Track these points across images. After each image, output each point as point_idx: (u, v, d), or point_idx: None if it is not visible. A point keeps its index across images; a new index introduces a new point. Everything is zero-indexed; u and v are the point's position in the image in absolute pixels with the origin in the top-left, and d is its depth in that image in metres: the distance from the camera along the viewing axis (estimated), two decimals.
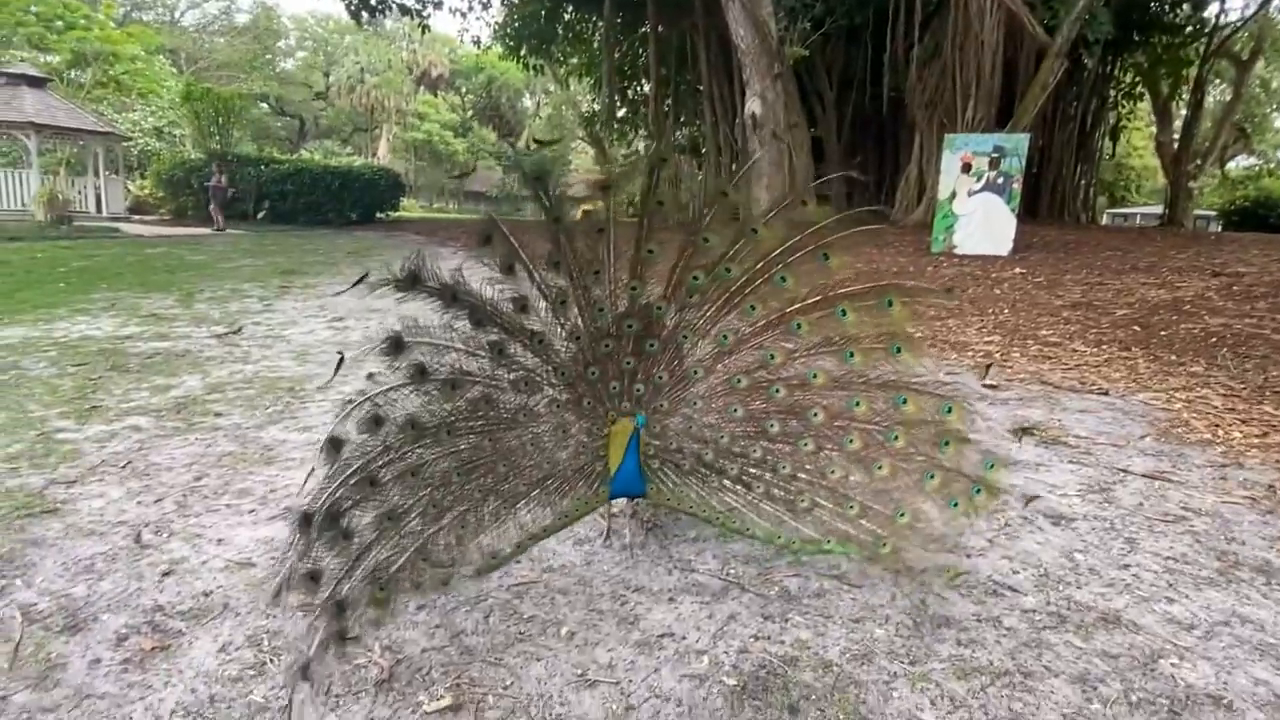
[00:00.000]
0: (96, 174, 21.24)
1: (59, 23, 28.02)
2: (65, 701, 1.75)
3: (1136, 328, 6.31)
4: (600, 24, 22.88)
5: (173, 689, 1.80)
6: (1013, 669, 1.92)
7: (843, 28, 16.36)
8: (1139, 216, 34.57)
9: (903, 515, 2.20)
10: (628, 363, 2.21)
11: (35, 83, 20.22)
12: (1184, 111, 23.11)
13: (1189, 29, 20.39)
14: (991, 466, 2.25)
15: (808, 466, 2.29)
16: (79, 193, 20.90)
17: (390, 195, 24.70)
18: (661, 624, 2.11)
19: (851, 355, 2.24)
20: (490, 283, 2.05)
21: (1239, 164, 36.15)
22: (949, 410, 2.21)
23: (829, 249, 2.21)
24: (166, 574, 2.34)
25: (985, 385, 4.82)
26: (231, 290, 8.90)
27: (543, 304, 2.11)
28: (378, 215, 24.12)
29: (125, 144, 23.85)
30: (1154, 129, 25.89)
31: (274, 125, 45.20)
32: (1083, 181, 22.33)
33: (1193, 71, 21.48)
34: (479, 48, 30.22)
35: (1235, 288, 7.52)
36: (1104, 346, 5.84)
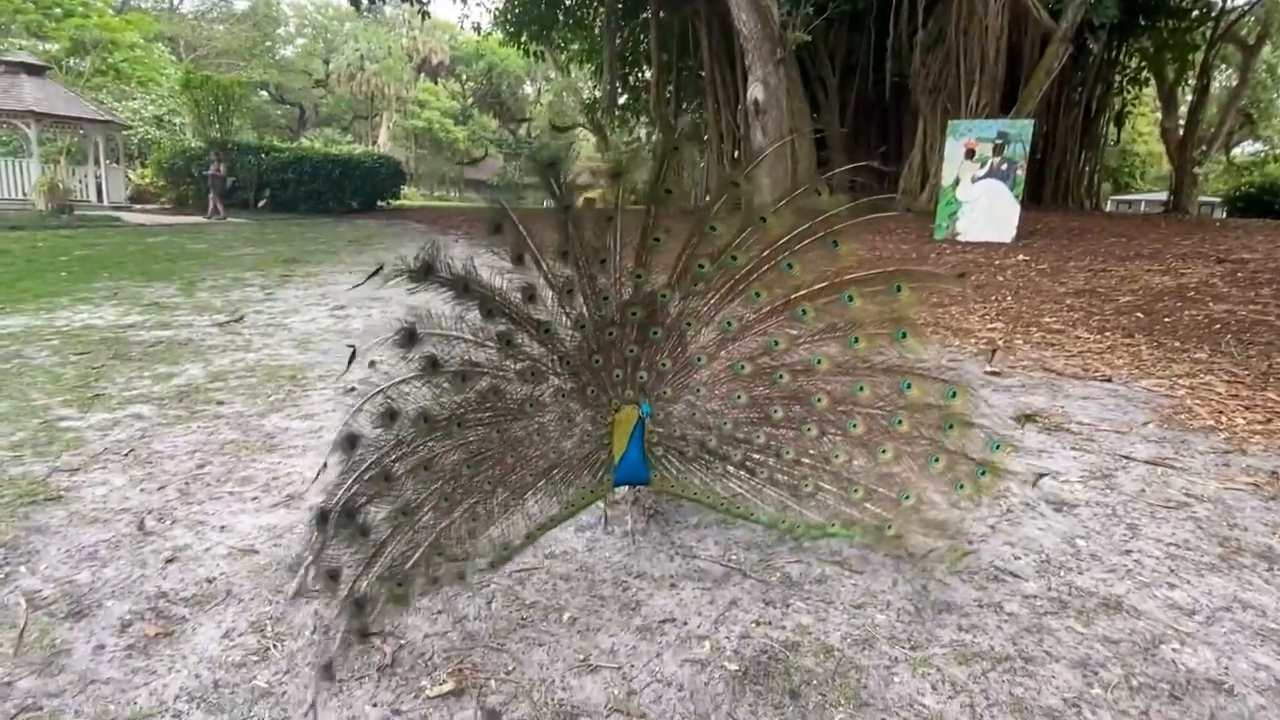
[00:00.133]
0: (97, 163, 21.16)
1: (57, 10, 27.82)
2: (70, 687, 1.76)
3: (1140, 314, 6.28)
4: (601, 9, 22.68)
5: (177, 674, 1.81)
6: (1014, 654, 1.92)
7: (845, 12, 16.21)
8: (1143, 203, 34.42)
9: (908, 498, 2.22)
10: (631, 350, 2.21)
11: (34, 71, 20.11)
12: (1189, 97, 22.97)
13: (1195, 13, 20.16)
14: (997, 448, 2.25)
15: (811, 451, 2.29)
16: (80, 182, 20.83)
17: (391, 183, 24.65)
18: (663, 610, 2.12)
19: (856, 341, 2.24)
20: (499, 273, 2.04)
21: (1244, 150, 35.91)
22: (953, 395, 2.21)
23: (839, 236, 2.20)
24: (170, 561, 2.35)
25: (988, 372, 4.81)
26: (233, 279, 8.90)
27: (549, 293, 2.10)
28: (379, 203, 24.09)
29: (125, 133, 23.75)
30: (1159, 115, 25.71)
31: (274, 113, 44.99)
32: (1087, 168, 22.19)
33: (1199, 56, 21.30)
34: (479, 34, 30.05)
35: (1240, 274, 7.48)
36: (1107, 333, 5.82)
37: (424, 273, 1.87)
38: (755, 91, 13.25)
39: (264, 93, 41.98)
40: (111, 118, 21.86)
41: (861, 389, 2.25)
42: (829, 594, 2.20)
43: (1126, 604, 2.16)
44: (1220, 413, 3.96)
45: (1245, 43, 23.29)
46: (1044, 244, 10.52)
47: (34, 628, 1.98)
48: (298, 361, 4.97)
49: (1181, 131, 22.65)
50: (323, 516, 1.74)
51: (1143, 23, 18.90)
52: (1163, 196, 27.58)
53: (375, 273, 1.90)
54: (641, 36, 23.27)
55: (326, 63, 47.41)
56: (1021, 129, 10.77)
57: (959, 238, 10.86)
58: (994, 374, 4.80)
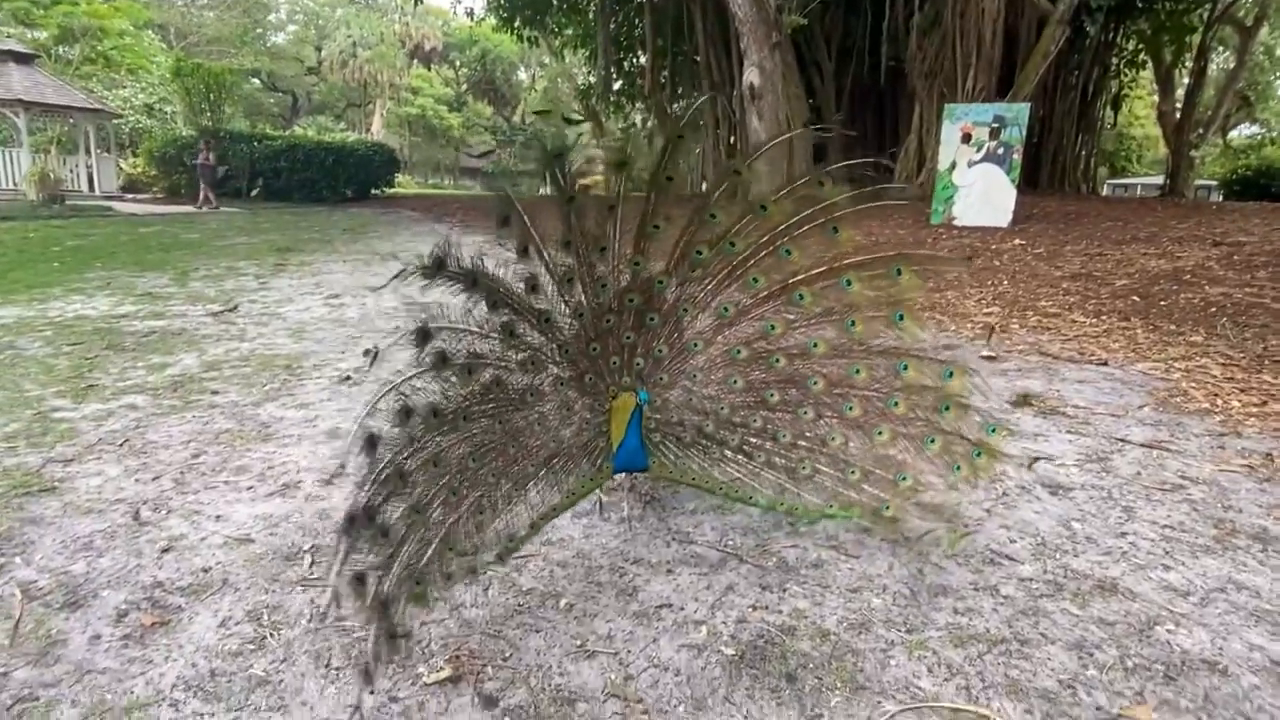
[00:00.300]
0: (88, 152, 20.98)
1: None
2: (66, 677, 1.75)
3: (1136, 298, 6.28)
4: None
5: (173, 663, 1.81)
6: (1009, 636, 1.93)
7: None
8: (1139, 187, 34.34)
9: (905, 479, 2.23)
10: (628, 337, 2.20)
11: (22, 59, 19.89)
12: (1187, 79, 22.83)
13: None
14: (993, 430, 2.25)
15: (808, 434, 2.30)
16: (71, 171, 20.65)
17: (385, 171, 24.48)
18: (660, 595, 2.12)
19: (853, 324, 2.24)
20: (504, 264, 2.03)
21: (1241, 133, 35.82)
22: (950, 375, 2.22)
23: (839, 223, 2.19)
24: (165, 550, 2.34)
25: (984, 356, 4.81)
26: (227, 268, 8.85)
27: (549, 282, 2.09)
28: (373, 191, 23.93)
29: (116, 121, 23.53)
30: (1156, 98, 25.58)
31: (266, 101, 44.60)
32: (1083, 152, 22.09)
33: (1196, 38, 21.16)
34: (472, 20, 29.83)
35: (1236, 257, 7.48)
36: (1103, 317, 5.82)
37: (436, 268, 1.87)
38: (751, 76, 13.15)
39: (256, 80, 41.59)
40: (102, 106, 21.67)
41: (858, 371, 2.25)
42: (825, 578, 2.21)
43: (1122, 586, 2.17)
44: (1215, 395, 3.97)
45: (1243, 24, 23.16)
46: (1040, 228, 10.50)
47: (29, 618, 1.97)
48: (292, 351, 4.95)
49: (1178, 114, 22.55)
50: (351, 521, 1.72)
51: (1140, 4, 18.76)
52: (1159, 180, 27.51)
53: (398, 275, 1.91)
54: (636, 21, 23.05)
55: (318, 49, 46.90)
56: (1018, 113, 10.71)
57: (955, 222, 10.83)
58: (990, 358, 4.80)
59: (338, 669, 1.78)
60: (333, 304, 6.77)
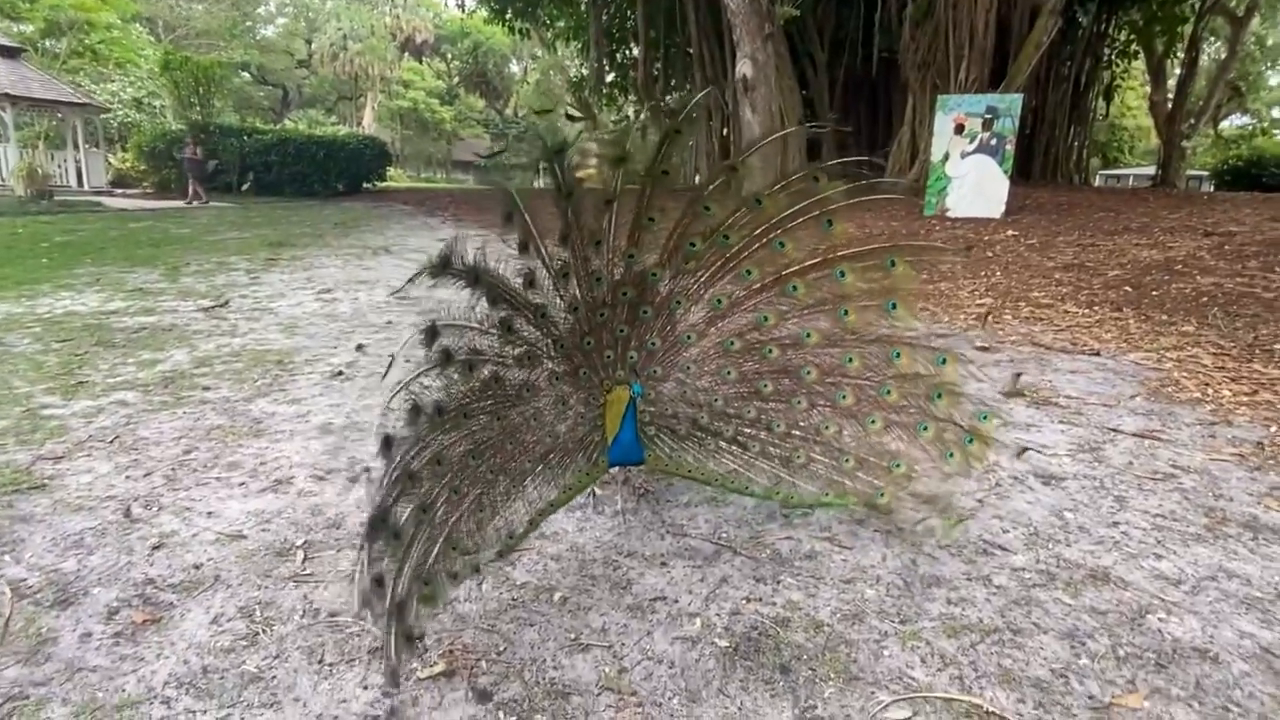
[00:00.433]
0: (76, 147, 20.77)
1: None
2: (57, 675, 1.74)
3: (1128, 288, 6.30)
4: None
5: (165, 661, 1.80)
6: (1002, 626, 1.94)
7: None
8: (1131, 178, 34.43)
9: (898, 466, 2.25)
10: (622, 330, 2.19)
11: (8, 53, 19.69)
12: (1179, 70, 22.87)
13: None
14: (985, 418, 2.26)
15: (802, 424, 2.31)
16: (59, 166, 20.45)
17: (376, 165, 24.33)
18: (654, 588, 2.12)
19: (846, 313, 2.24)
20: (503, 259, 2.02)
21: (1232, 123, 35.94)
22: (943, 361, 2.23)
23: (833, 216, 2.19)
24: (157, 547, 2.33)
25: (977, 348, 4.82)
26: (218, 264, 8.79)
27: (545, 277, 2.08)
28: (364, 185, 23.79)
29: (104, 116, 23.28)
30: (1148, 88, 25.61)
31: (256, 95, 44.25)
32: (1076, 142, 22.09)
33: (1187, 29, 21.19)
34: (464, 11, 29.66)
35: (1227, 247, 7.50)
36: (1095, 307, 5.84)
37: (442, 266, 1.87)
38: (743, 68, 13.11)
39: (245, 74, 41.26)
40: (90, 100, 21.45)
41: (851, 360, 2.25)
42: (819, 570, 2.21)
43: (1114, 575, 2.18)
44: (1207, 385, 3.98)
45: (1234, 14, 23.20)
46: (1033, 219, 10.52)
47: (19, 616, 1.96)
48: (284, 346, 4.93)
49: (1170, 105, 22.61)
50: (374, 523, 1.71)
51: None
52: (1151, 171, 27.59)
53: (412, 279, 1.91)
54: (628, 13, 22.91)
55: (309, 42, 46.54)
56: (1011, 103, 10.71)
57: (948, 213, 10.84)
58: (983, 349, 4.81)
59: (330, 665, 1.77)
60: (324, 299, 6.74)
